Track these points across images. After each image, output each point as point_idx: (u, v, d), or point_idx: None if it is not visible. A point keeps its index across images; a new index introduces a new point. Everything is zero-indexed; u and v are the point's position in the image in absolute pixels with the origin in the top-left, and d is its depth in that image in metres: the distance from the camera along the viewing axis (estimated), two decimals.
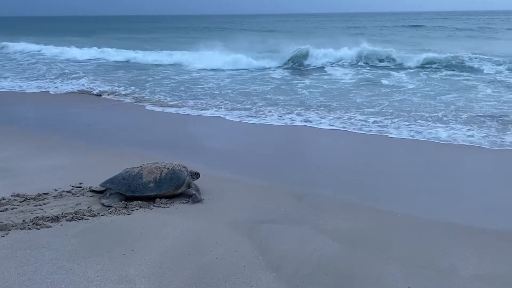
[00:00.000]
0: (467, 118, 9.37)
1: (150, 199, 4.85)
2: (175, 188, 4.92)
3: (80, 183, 5.39)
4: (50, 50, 26.15)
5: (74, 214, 4.43)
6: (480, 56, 18.18)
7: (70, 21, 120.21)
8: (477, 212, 4.92)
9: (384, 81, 14.71)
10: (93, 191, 5.09)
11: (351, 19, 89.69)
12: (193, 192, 5.00)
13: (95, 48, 25.46)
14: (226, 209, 4.82)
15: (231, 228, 4.30)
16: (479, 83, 13.95)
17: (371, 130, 8.66)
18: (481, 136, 8.05)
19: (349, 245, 4.03)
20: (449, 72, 16.34)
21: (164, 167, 4.95)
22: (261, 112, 10.32)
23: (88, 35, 44.17)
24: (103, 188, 5.00)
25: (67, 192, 5.10)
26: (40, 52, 25.99)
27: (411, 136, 8.23)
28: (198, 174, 5.25)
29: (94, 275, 3.39)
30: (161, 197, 4.87)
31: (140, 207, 4.77)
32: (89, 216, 4.46)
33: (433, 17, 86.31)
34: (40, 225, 4.20)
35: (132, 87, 13.98)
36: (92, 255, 3.69)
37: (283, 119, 9.67)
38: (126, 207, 4.71)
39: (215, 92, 13.07)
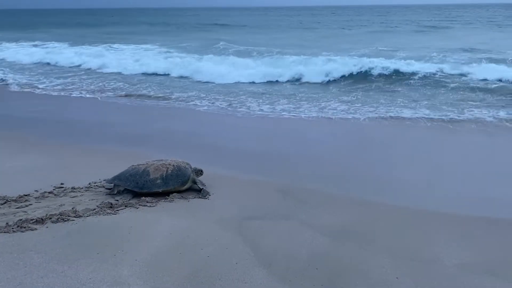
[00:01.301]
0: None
1: (157, 195, 4.97)
2: (181, 184, 5.06)
3: (62, 183, 5.29)
4: None
5: (59, 216, 4.35)
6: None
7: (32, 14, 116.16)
8: (456, 199, 5.12)
9: None
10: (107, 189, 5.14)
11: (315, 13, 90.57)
12: (201, 187, 5.15)
13: None
14: (213, 206, 4.84)
15: (219, 226, 4.33)
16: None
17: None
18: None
19: (336, 238, 4.14)
20: None
21: (169, 164, 5.09)
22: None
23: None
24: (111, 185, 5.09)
25: (49, 193, 5.00)
26: None
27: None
28: (201, 171, 5.36)
29: (87, 278, 3.37)
30: (168, 193, 4.99)
31: (125, 206, 4.73)
32: (74, 217, 4.40)
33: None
34: (24, 227, 4.12)
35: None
36: (82, 257, 3.65)
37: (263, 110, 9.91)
38: (111, 207, 4.67)
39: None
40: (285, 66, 15.10)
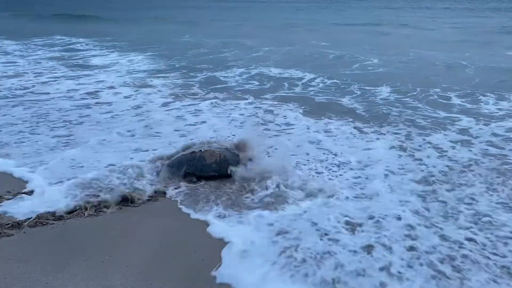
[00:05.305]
0: None
1: (212, 178, 5.25)
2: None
3: None
4: None
5: (37, 219, 4.07)
6: None
7: None
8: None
9: None
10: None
11: None
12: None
13: None
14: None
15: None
16: None
17: None
18: None
19: None
20: None
21: (220, 150, 5.45)
22: None
23: None
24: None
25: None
26: None
27: None
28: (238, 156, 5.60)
29: None
30: (222, 176, 5.28)
31: (106, 208, 4.49)
32: (53, 220, 4.13)
33: None
34: (0, 233, 3.82)
35: None
36: (68, 265, 3.42)
37: None
38: (92, 208, 4.41)
39: None
40: None
